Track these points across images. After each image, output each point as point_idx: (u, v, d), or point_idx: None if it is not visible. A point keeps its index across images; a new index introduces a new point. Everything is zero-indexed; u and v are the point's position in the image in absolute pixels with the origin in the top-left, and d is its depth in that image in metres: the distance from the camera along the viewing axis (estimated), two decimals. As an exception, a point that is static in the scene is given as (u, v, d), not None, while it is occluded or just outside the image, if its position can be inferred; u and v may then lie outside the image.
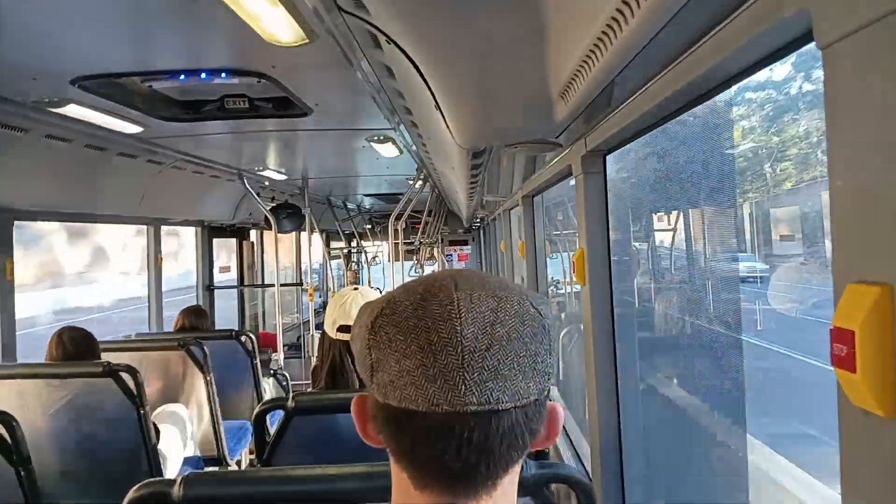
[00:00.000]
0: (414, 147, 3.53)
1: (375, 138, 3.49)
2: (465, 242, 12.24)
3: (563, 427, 3.21)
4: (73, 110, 2.43)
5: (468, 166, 2.47)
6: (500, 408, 0.56)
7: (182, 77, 2.17)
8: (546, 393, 0.61)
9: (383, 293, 0.70)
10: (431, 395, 0.56)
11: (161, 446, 2.63)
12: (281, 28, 1.62)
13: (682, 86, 1.00)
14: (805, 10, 0.64)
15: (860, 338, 0.55)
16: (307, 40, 1.68)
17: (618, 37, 0.86)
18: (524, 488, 1.02)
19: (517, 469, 0.62)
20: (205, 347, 3.26)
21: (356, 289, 1.84)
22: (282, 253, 6.79)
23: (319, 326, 7.18)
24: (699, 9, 0.78)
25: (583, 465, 2.59)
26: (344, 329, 1.73)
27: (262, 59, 2.07)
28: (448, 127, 1.75)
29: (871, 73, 0.56)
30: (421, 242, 8.79)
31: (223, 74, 2.18)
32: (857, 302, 0.57)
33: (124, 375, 2.42)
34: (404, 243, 7.14)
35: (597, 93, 1.18)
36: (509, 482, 0.61)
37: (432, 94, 1.46)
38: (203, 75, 2.16)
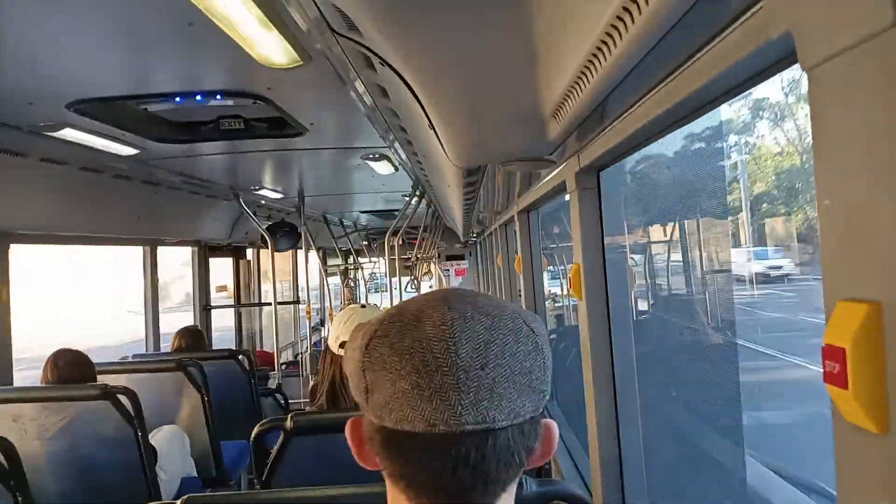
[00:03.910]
0: (409, 164, 3.55)
1: (370, 156, 3.51)
2: (461, 257, 12.23)
3: (564, 442, 3.16)
4: (68, 134, 2.44)
5: (463, 183, 2.48)
6: (496, 426, 0.56)
7: (178, 100, 2.19)
8: (541, 410, 0.61)
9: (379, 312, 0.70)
10: (428, 415, 0.55)
11: (158, 468, 2.61)
12: (275, 51, 1.64)
13: (671, 105, 1.01)
14: (788, 32, 0.65)
15: (851, 355, 0.56)
16: (301, 62, 1.70)
17: (607, 58, 0.88)
18: None
19: (513, 489, 0.62)
20: (203, 368, 3.25)
21: (363, 306, 1.85)
22: (279, 272, 6.78)
23: (318, 345, 7.17)
24: (686, 31, 0.79)
25: (583, 480, 2.58)
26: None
27: (257, 81, 2.09)
28: (442, 146, 1.76)
29: (856, 95, 0.57)
30: (417, 258, 8.79)
31: (218, 96, 2.19)
32: (847, 319, 0.57)
33: (122, 398, 2.41)
34: (401, 259, 7.14)
35: (588, 112, 1.19)
36: (506, 501, 0.61)
37: (426, 113, 1.48)
38: (198, 97, 2.18)
